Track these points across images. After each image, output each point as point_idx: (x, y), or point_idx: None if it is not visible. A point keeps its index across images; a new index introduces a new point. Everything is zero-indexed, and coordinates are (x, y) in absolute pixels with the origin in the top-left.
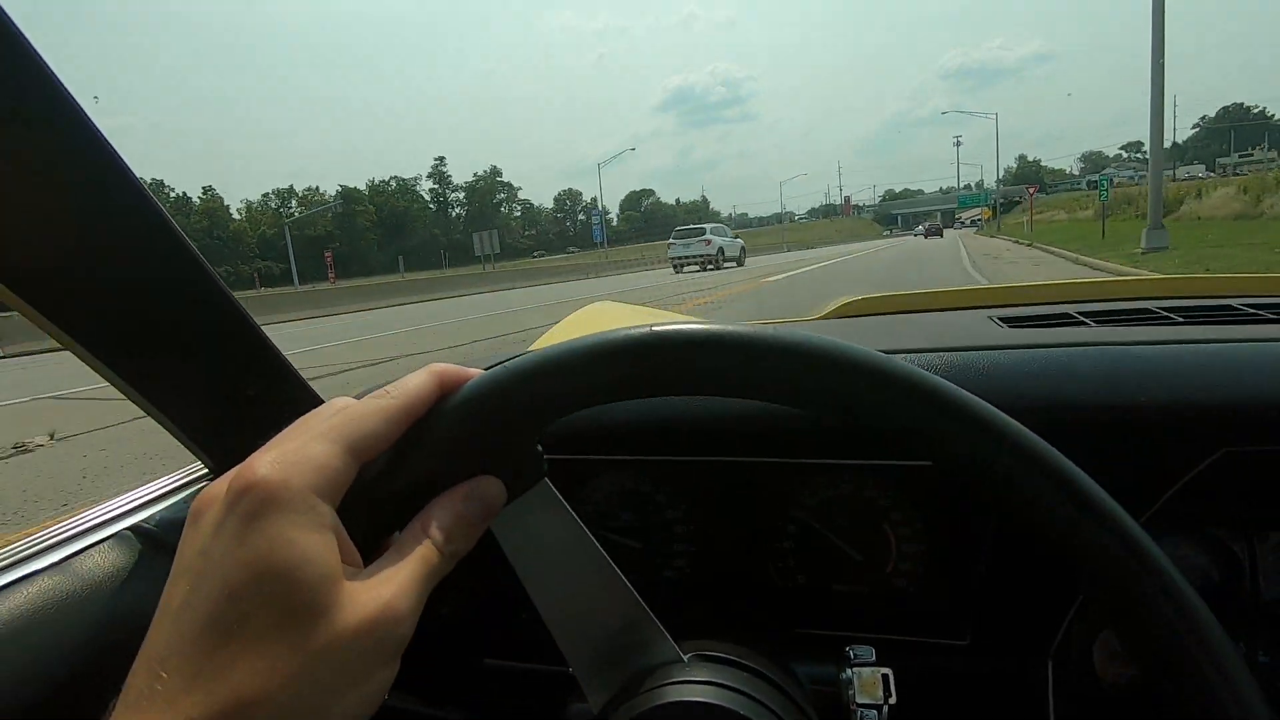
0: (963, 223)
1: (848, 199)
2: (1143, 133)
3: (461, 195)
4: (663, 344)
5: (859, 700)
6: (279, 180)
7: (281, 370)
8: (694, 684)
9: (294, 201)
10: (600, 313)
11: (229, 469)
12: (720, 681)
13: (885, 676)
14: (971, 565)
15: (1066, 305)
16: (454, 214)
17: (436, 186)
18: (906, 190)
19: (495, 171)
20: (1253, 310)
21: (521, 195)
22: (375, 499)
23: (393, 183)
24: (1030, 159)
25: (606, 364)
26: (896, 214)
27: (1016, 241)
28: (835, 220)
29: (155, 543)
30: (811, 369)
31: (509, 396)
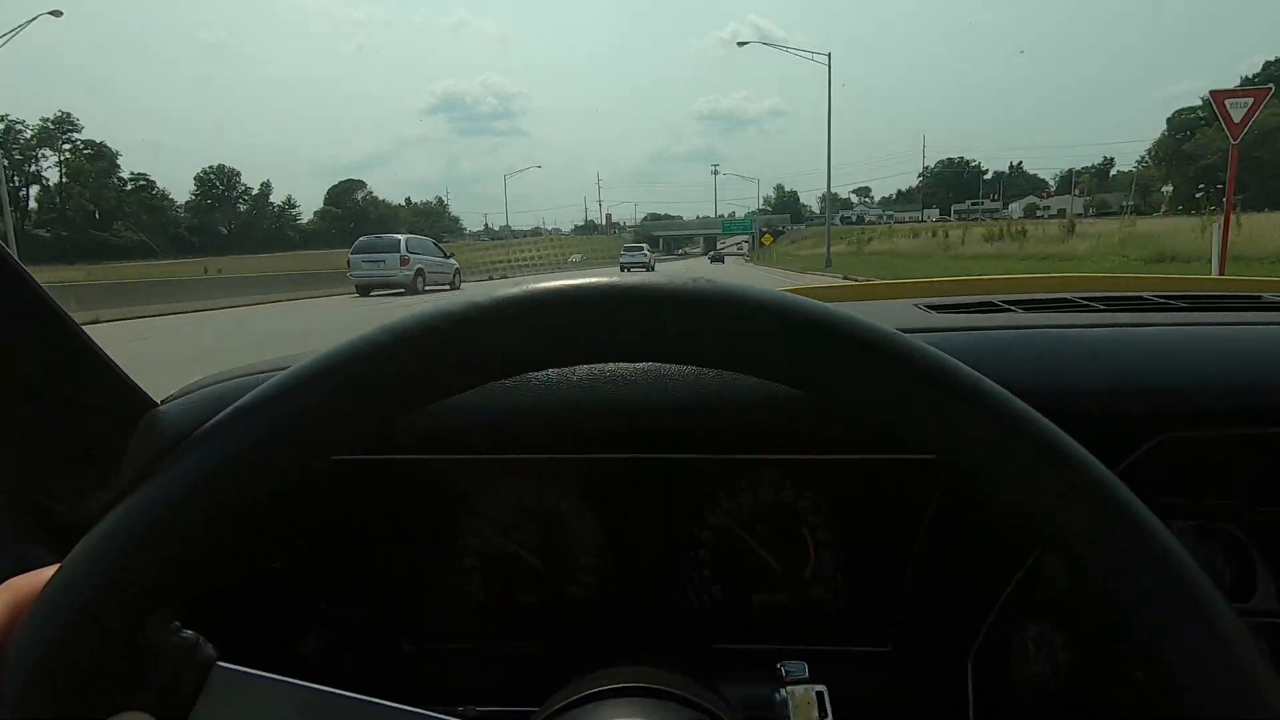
0: (724, 251)
1: (608, 216)
2: (871, 180)
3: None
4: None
5: None
6: None
7: (83, 355)
8: None
9: None
10: None
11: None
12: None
13: (820, 694)
14: (895, 571)
15: (986, 296)
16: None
17: None
18: (669, 215)
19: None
20: (1162, 299)
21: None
22: None
23: None
24: (787, 190)
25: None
26: (658, 236)
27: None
28: (593, 238)
29: None
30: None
31: (112, 587)
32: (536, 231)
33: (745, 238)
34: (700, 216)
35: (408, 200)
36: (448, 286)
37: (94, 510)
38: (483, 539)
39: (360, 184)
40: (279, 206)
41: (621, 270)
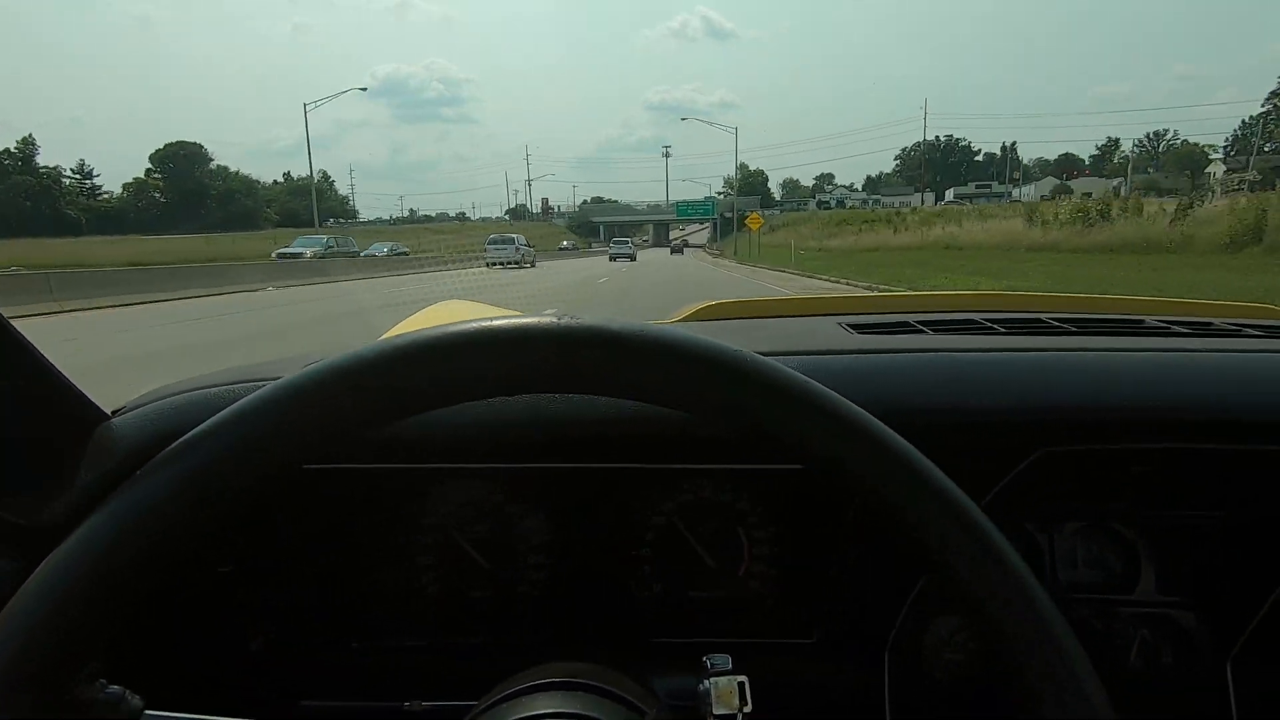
0: (684, 238)
1: (544, 200)
2: (844, 162)
3: None
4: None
5: (716, 711)
6: None
7: (30, 366)
8: (549, 717)
9: None
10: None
11: None
12: (575, 712)
13: (741, 685)
14: (820, 567)
15: (905, 315)
16: None
17: None
18: (616, 202)
19: None
20: (1058, 323)
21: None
22: None
23: None
24: (753, 169)
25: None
26: (598, 223)
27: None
28: (516, 226)
29: None
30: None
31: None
32: (462, 217)
33: (704, 226)
34: (650, 204)
35: (286, 175)
36: (530, 265)
37: (51, 518)
38: (431, 539)
39: (201, 153)
40: (72, 177)
41: (610, 261)
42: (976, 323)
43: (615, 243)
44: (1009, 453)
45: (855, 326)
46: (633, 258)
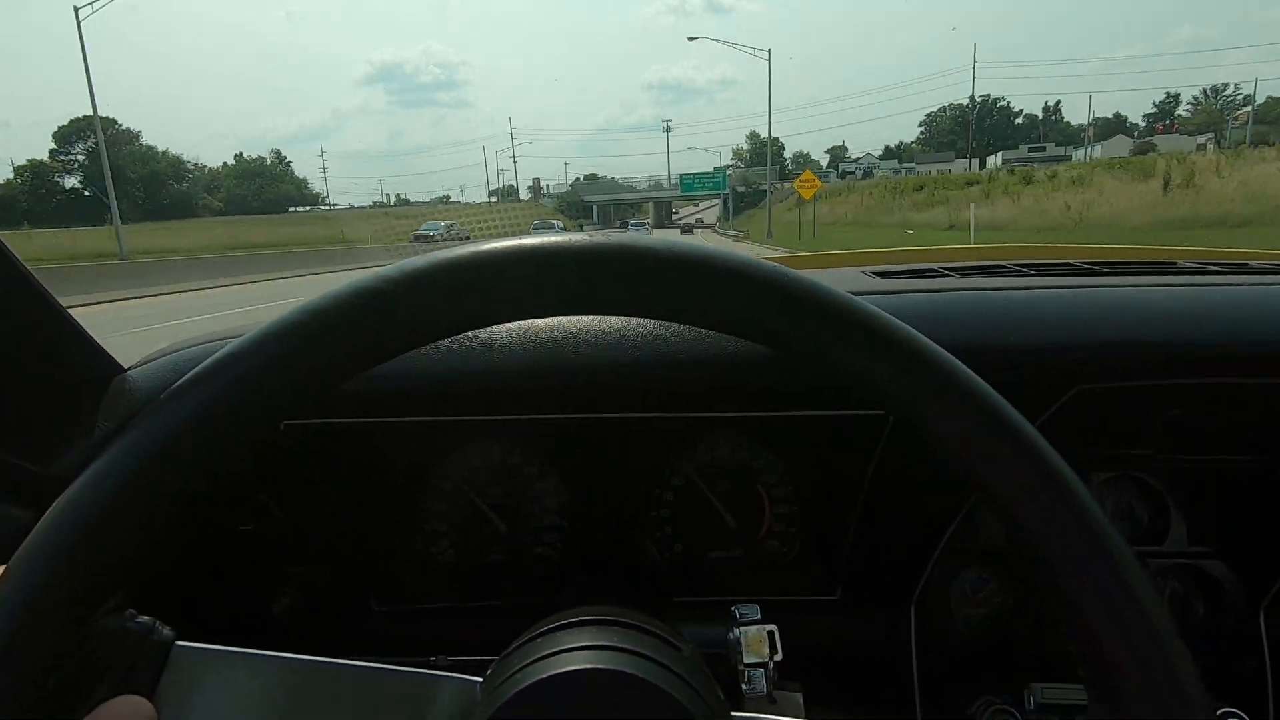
0: (690, 218)
1: (536, 180)
2: (861, 129)
3: None
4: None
5: (746, 660)
6: None
7: (51, 319)
8: (584, 649)
9: None
10: None
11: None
12: (612, 644)
13: (771, 634)
14: (842, 523)
15: (931, 264)
16: None
17: None
18: (613, 179)
19: None
20: (1089, 265)
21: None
22: None
23: None
24: (763, 138)
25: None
26: (590, 202)
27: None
28: (496, 205)
29: None
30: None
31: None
32: (446, 200)
33: (714, 202)
34: (650, 182)
35: (238, 156)
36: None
37: (65, 468)
38: (450, 499)
39: (121, 131)
40: None
41: None
42: (1005, 268)
43: (632, 224)
44: (1046, 391)
45: (878, 273)
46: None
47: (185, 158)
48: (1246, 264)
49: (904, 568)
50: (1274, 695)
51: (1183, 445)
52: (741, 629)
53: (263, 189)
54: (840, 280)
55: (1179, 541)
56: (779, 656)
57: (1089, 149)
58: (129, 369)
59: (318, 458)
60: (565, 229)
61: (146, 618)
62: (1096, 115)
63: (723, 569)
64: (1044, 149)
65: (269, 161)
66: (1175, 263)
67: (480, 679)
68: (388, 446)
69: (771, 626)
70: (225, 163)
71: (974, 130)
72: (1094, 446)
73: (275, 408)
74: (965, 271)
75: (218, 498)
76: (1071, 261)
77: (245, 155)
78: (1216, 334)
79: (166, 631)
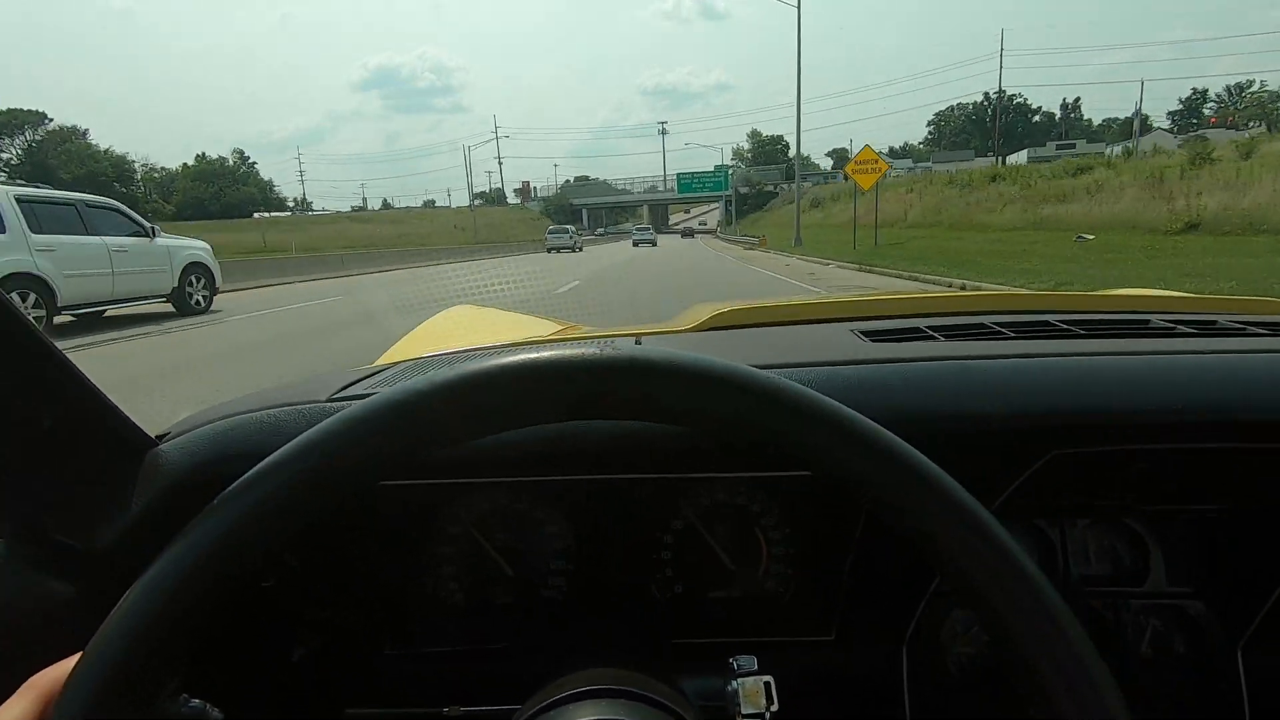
0: (690, 221)
1: (526, 183)
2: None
3: None
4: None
5: (744, 711)
6: None
7: (83, 393)
8: None
9: None
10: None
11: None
12: (619, 718)
13: (767, 684)
14: (836, 564)
15: (915, 319)
16: None
17: None
18: (605, 182)
19: None
20: (1065, 325)
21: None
22: None
23: None
24: (766, 136)
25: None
26: (580, 206)
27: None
28: (480, 212)
29: None
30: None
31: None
32: (431, 204)
33: (714, 206)
34: (646, 184)
35: (199, 157)
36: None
37: (103, 542)
38: (459, 548)
39: (52, 126)
40: None
41: (634, 246)
42: (986, 327)
43: (638, 230)
44: (1021, 456)
45: (868, 334)
46: (653, 243)
47: (131, 157)
48: (1215, 322)
49: (896, 608)
50: None
51: (1158, 497)
52: (739, 680)
53: (223, 192)
54: (830, 340)
55: (1159, 582)
56: (775, 707)
57: (1136, 141)
58: (160, 441)
59: (336, 512)
60: (574, 236)
61: (198, 701)
62: (1111, 116)
63: (722, 610)
64: (1074, 145)
65: (231, 163)
66: (1147, 320)
67: None
68: (401, 500)
69: (768, 678)
70: (185, 164)
71: (999, 123)
72: (1074, 498)
73: (320, 509)
74: (949, 332)
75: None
76: (1049, 320)
77: (207, 155)
78: (1184, 401)
79: (216, 714)
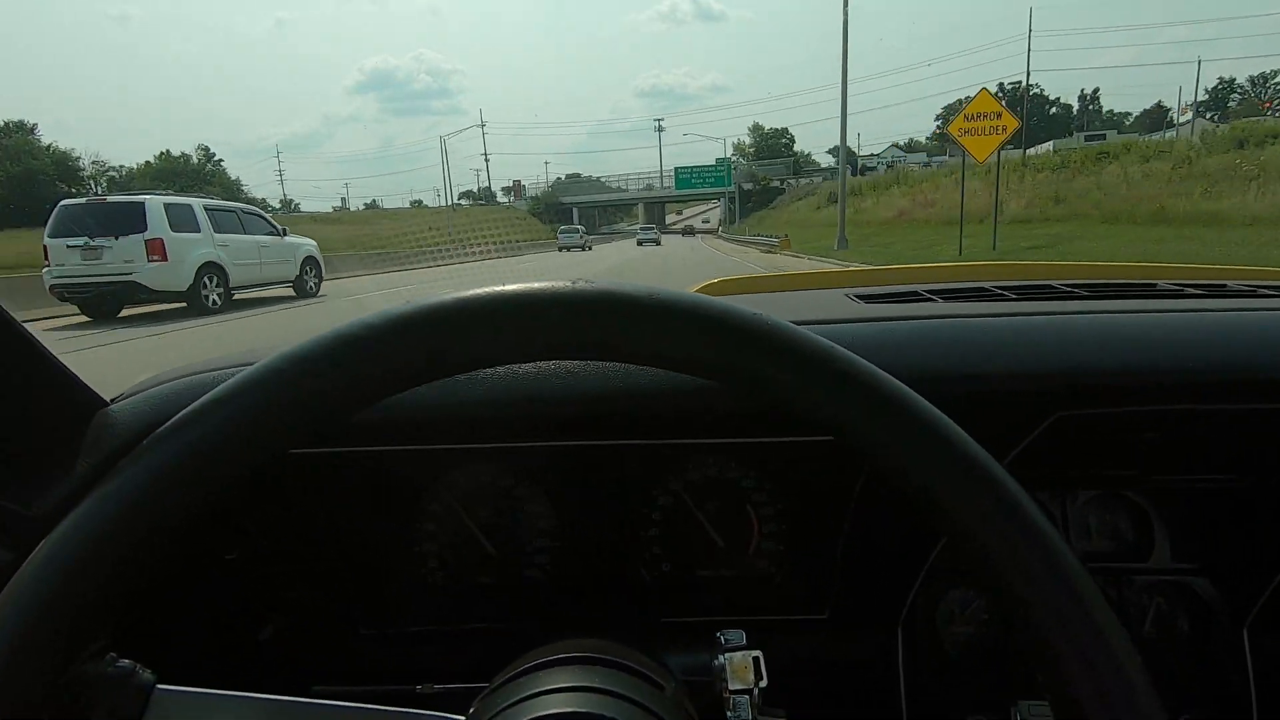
0: (692, 218)
1: (517, 182)
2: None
3: None
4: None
5: (732, 687)
6: None
7: (29, 353)
8: (567, 691)
9: None
10: None
11: None
12: (595, 685)
13: (756, 659)
14: (829, 543)
15: (913, 285)
16: None
17: None
18: (599, 179)
19: None
20: (1069, 288)
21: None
22: None
23: None
24: (769, 129)
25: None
26: (570, 205)
27: None
28: (462, 212)
29: None
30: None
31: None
32: (419, 204)
33: (714, 205)
34: (644, 183)
35: (164, 153)
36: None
37: (48, 506)
38: (439, 524)
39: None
40: None
41: (639, 245)
42: (987, 290)
43: (643, 229)
44: (1024, 419)
45: (863, 297)
46: (657, 242)
47: (76, 153)
48: (1225, 285)
49: (891, 587)
50: (1257, 710)
51: (1164, 466)
52: (726, 655)
53: (184, 191)
54: (824, 303)
55: (1164, 559)
56: (764, 683)
57: (1193, 126)
58: (111, 403)
59: (304, 484)
60: (584, 235)
61: (127, 661)
62: (1128, 109)
63: (712, 588)
64: (1104, 136)
65: (196, 160)
66: (1154, 284)
67: (463, 717)
68: (376, 472)
69: (756, 652)
70: (148, 161)
71: (1026, 109)
72: (1077, 468)
73: (257, 454)
74: (948, 295)
75: (201, 528)
76: (1052, 284)
77: (171, 153)
78: (1192, 360)
79: (147, 675)
